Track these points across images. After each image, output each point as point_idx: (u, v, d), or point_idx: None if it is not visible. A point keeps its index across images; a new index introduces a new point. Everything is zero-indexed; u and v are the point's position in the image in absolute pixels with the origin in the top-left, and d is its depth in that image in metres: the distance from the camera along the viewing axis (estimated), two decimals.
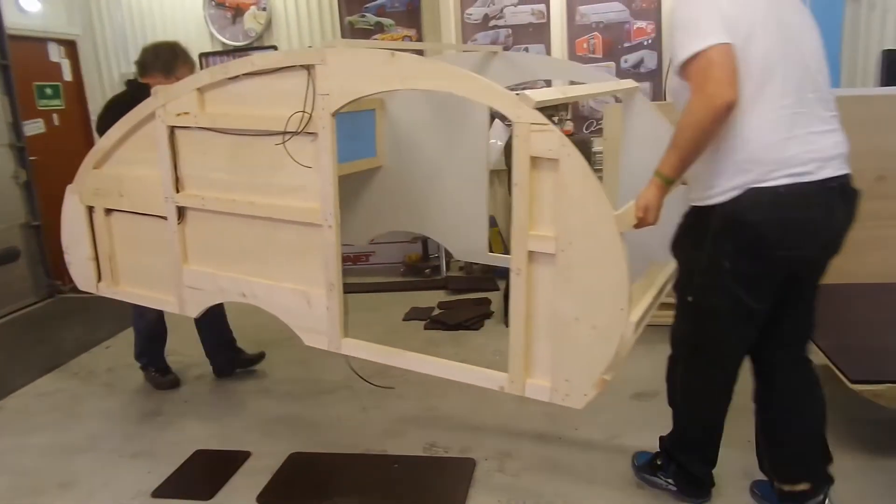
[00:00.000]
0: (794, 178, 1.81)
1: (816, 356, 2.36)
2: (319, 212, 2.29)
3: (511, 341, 2.07)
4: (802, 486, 2.09)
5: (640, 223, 1.92)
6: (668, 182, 1.91)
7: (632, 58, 5.36)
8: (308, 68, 2.19)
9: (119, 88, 6.06)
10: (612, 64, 5.38)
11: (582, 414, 2.48)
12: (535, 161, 1.89)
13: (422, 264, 5.44)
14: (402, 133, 3.38)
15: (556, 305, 1.96)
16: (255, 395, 3.44)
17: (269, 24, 5.94)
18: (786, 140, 1.82)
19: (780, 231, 1.86)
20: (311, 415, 3.19)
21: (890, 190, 3.49)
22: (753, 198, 1.85)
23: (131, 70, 5.97)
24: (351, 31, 5.60)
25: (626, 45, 5.35)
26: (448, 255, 5.16)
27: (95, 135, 3.22)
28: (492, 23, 5.54)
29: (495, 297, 4.70)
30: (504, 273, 5.50)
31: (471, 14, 5.57)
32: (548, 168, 1.88)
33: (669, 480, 2.29)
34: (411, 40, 5.57)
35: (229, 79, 2.38)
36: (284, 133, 2.27)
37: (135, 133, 2.69)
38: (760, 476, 2.28)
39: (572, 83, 3.69)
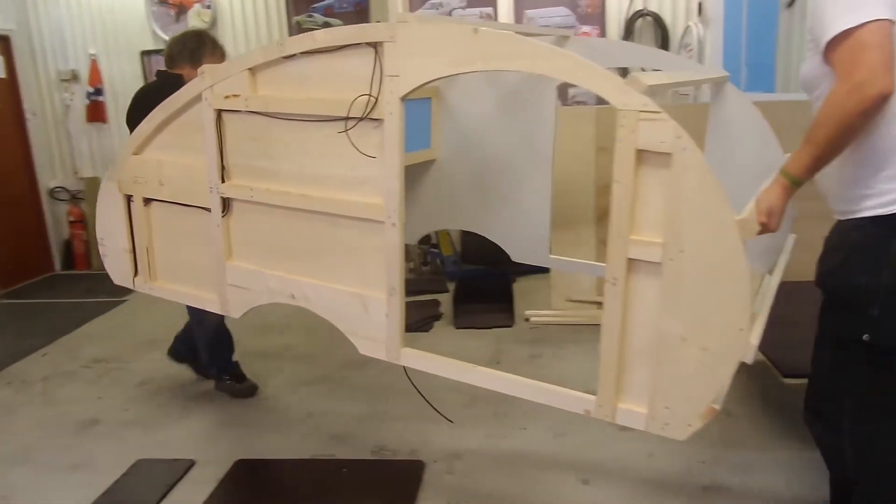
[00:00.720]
0: None
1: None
2: (383, 208, 2.05)
3: (601, 360, 1.82)
4: None
5: (763, 229, 1.66)
6: (795, 183, 1.66)
7: None
8: (375, 46, 1.96)
9: (57, 86, 6.06)
10: None
11: (529, 413, 2.88)
12: (641, 155, 1.63)
13: None
14: (458, 124, 3.14)
15: (660, 322, 1.70)
16: (198, 401, 3.32)
17: (213, 23, 5.80)
18: None
19: None
20: (258, 420, 3.09)
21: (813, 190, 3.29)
22: None
23: (69, 67, 6.02)
24: (298, 32, 5.47)
25: None
26: None
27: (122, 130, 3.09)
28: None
29: (445, 299, 4.70)
30: (454, 275, 5.26)
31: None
32: (658, 163, 1.62)
33: None
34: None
35: (285, 58, 2.15)
36: (347, 119, 2.04)
37: (178, 117, 2.49)
38: None
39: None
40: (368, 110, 2.00)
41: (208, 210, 2.48)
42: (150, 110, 2.69)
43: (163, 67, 3.28)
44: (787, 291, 2.61)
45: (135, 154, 2.64)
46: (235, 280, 2.48)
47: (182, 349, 3.58)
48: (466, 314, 4.38)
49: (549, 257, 3.15)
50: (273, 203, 2.31)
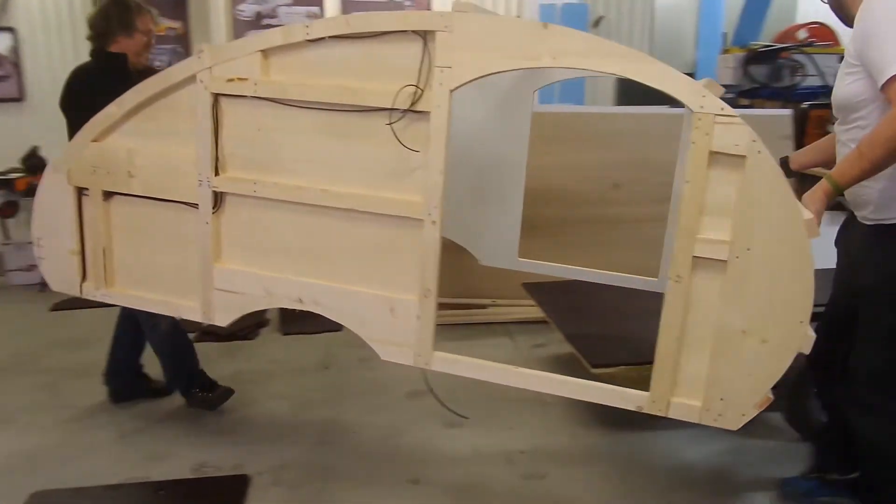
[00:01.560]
0: None
1: (562, 344, 2.95)
2: (422, 205, 1.96)
3: (658, 356, 1.87)
4: None
5: None
6: (839, 191, 1.81)
7: None
8: (424, 35, 1.87)
9: None
10: None
11: (358, 417, 2.90)
12: (714, 157, 1.70)
13: None
14: None
15: (721, 317, 1.78)
16: None
17: (5, 6, 5.26)
18: None
19: None
20: (59, 446, 2.75)
21: (623, 196, 3.97)
22: None
23: None
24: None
25: None
26: None
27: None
28: (265, 21, 5.35)
29: None
30: None
31: (242, 10, 5.35)
32: (730, 165, 1.70)
33: None
34: (176, 33, 5.34)
35: (311, 41, 1.99)
36: (392, 110, 1.93)
37: (159, 100, 2.20)
38: None
39: None
40: (414, 102, 1.90)
41: (193, 206, 2.22)
42: (97, 93, 2.43)
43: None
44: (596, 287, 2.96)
45: (94, 141, 2.30)
46: (225, 284, 2.24)
47: (122, 368, 3.13)
48: (293, 320, 3.93)
49: (518, 260, 3.17)
50: (282, 199, 2.12)
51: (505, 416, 2.92)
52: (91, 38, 2.79)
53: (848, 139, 1.90)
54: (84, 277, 2.45)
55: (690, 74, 4.72)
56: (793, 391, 2.59)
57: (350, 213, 2.06)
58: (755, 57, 4.68)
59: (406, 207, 1.99)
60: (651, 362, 2.12)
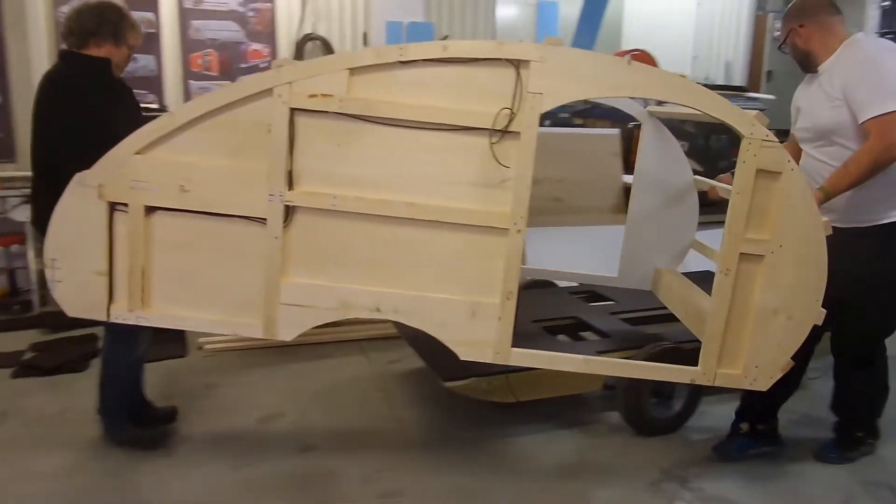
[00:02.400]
0: None
1: (415, 359, 3.12)
2: (508, 215, 2.17)
3: (707, 336, 2.28)
4: None
5: None
6: (829, 198, 2.34)
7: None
8: (516, 64, 2.09)
9: None
10: (229, 83, 5.32)
11: (205, 447, 2.75)
12: (759, 173, 2.14)
13: (9, 300, 4.42)
14: None
15: (758, 300, 2.23)
16: None
17: None
18: None
19: None
20: None
21: (564, 207, 4.52)
22: None
23: None
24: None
25: (242, 65, 5.22)
26: (44, 286, 3.73)
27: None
28: None
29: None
30: None
31: (65, 12, 5.18)
32: (770, 179, 2.15)
33: (871, 441, 2.79)
34: None
35: (402, 63, 2.10)
36: (492, 131, 2.11)
37: (223, 113, 2.13)
38: None
39: None
40: (508, 123, 2.11)
41: (257, 220, 2.19)
42: (84, 101, 2.39)
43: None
44: None
45: (138, 154, 2.16)
46: (292, 298, 2.24)
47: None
48: None
49: None
50: (366, 212, 2.18)
51: (360, 438, 2.89)
52: (69, 35, 2.54)
53: (825, 157, 2.44)
54: (111, 299, 2.26)
55: None
56: (629, 392, 2.84)
57: (434, 224, 2.19)
58: None
59: (494, 218, 2.18)
60: (498, 373, 2.63)
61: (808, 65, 2.54)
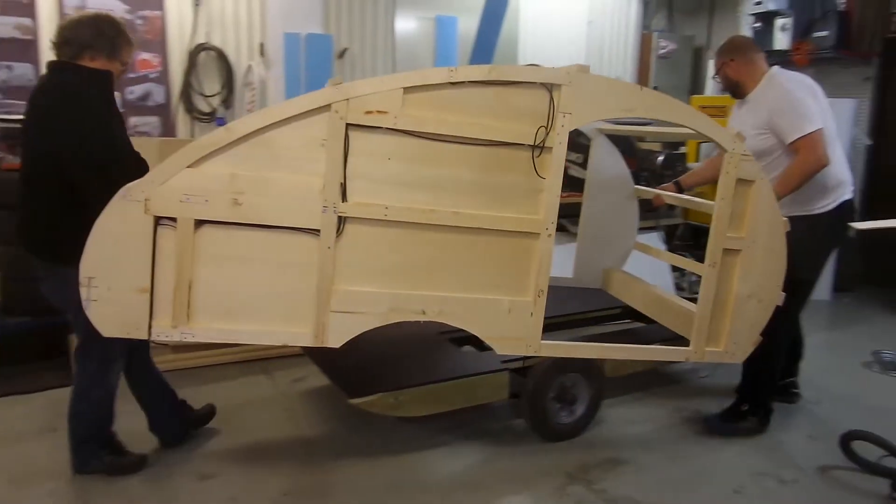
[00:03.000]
0: (851, 194, 3.01)
1: (321, 376, 3.10)
2: (542, 221, 2.42)
3: (697, 318, 2.69)
4: None
5: None
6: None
7: (138, 90, 4.96)
8: (550, 87, 2.35)
9: None
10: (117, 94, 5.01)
11: (95, 482, 2.61)
12: (738, 182, 2.59)
13: None
14: None
15: (736, 287, 2.68)
16: None
17: None
18: (846, 174, 3.00)
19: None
20: None
21: None
22: (848, 206, 2.99)
23: None
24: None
25: (131, 75, 4.91)
26: None
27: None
28: None
29: None
30: None
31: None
32: (746, 187, 2.61)
33: (754, 419, 3.12)
34: None
35: (452, 84, 2.28)
36: (534, 146, 2.35)
37: (279, 128, 2.17)
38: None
39: None
40: (544, 139, 2.36)
41: (309, 232, 2.25)
42: (99, 116, 2.35)
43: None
44: None
45: (190, 167, 2.14)
46: (343, 305, 2.31)
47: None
48: (8, 378, 3.53)
49: None
50: (411, 220, 2.32)
51: (264, 462, 2.80)
52: (64, 45, 2.43)
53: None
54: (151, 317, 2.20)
55: None
56: (534, 399, 2.92)
57: (475, 230, 2.39)
58: None
59: (528, 224, 2.42)
60: (406, 387, 2.70)
61: (737, 93, 3.07)
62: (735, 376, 3.27)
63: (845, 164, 3.06)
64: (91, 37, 2.42)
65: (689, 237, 5.50)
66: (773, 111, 2.86)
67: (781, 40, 5.76)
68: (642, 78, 7.01)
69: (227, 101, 5.20)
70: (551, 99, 2.35)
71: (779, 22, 5.77)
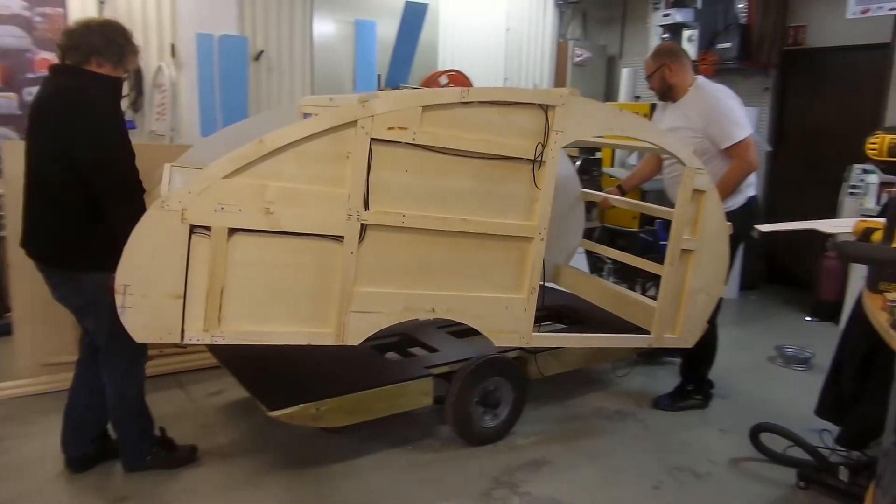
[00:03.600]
0: (755, 190, 3.50)
1: (239, 388, 2.98)
2: (536, 227, 2.71)
3: (659, 309, 3.10)
4: None
5: None
6: None
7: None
8: (545, 108, 2.63)
9: None
10: (14, 95, 4.72)
11: None
12: (694, 192, 3.00)
13: None
14: None
15: (689, 283, 3.11)
16: None
17: None
18: (754, 177, 3.47)
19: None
20: None
21: None
22: (754, 200, 3.47)
23: None
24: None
25: (29, 75, 4.77)
26: None
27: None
28: None
29: None
30: None
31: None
32: (699, 196, 3.04)
33: (699, 397, 3.58)
34: None
35: (463, 103, 2.49)
36: (534, 160, 2.63)
37: (309, 142, 2.29)
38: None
39: None
40: (540, 154, 2.64)
41: (337, 238, 2.40)
42: (115, 122, 2.40)
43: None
44: None
45: (226, 178, 2.23)
46: (362, 306, 2.49)
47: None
48: None
49: None
50: (425, 227, 2.52)
51: (180, 481, 2.75)
52: (70, 50, 2.44)
53: None
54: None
55: None
56: (458, 404, 2.99)
57: (481, 235, 2.63)
58: None
59: (524, 229, 2.70)
60: (328, 397, 2.70)
61: (669, 96, 3.45)
62: (647, 376, 3.72)
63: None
64: (101, 43, 2.46)
65: (605, 239, 5.80)
66: (708, 119, 3.28)
67: (688, 51, 5.84)
68: (559, 84, 7.27)
69: (136, 104, 5.09)
70: (547, 118, 2.63)
71: (686, 33, 6.11)
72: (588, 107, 2.72)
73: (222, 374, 3.23)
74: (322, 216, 2.36)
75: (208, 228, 2.24)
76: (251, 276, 2.34)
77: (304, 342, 2.48)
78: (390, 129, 2.38)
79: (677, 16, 6.06)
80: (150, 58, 5.06)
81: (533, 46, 7.29)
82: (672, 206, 3.20)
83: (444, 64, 6.65)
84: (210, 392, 3.55)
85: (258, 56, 5.57)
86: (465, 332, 3.51)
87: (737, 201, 3.38)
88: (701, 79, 3.44)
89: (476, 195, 2.61)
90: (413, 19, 5.72)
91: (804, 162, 6.18)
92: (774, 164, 6.34)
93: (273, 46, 5.70)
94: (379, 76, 6.16)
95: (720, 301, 3.30)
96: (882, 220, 1.90)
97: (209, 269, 2.26)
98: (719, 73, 6.02)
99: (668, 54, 3.42)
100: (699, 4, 6.04)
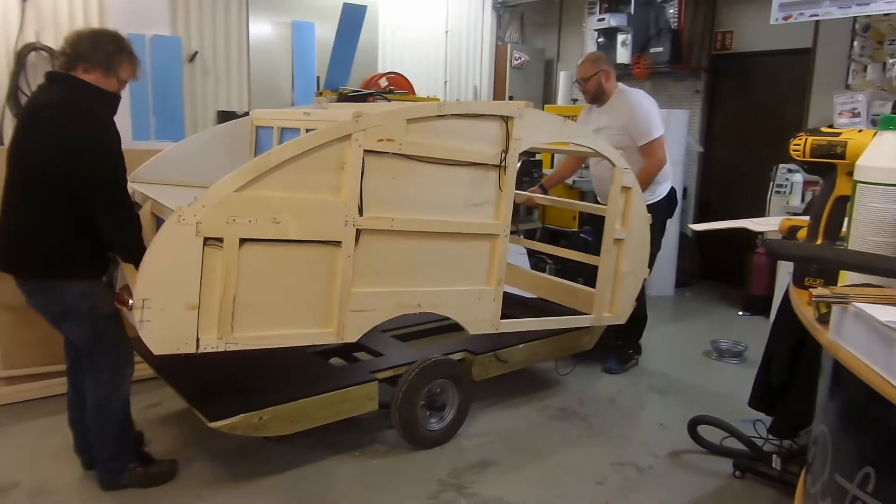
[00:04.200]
0: (672, 183, 4.05)
1: (176, 400, 3.07)
2: (501, 225, 3.06)
3: (598, 293, 3.53)
4: None
5: None
6: None
7: None
8: (506, 119, 2.96)
9: None
10: None
11: None
12: (622, 189, 3.45)
13: None
14: None
15: (620, 266, 3.56)
16: None
17: None
18: (669, 169, 3.98)
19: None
20: None
21: None
22: (672, 192, 4.04)
23: None
24: None
25: None
26: None
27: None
28: None
29: None
30: None
31: None
32: (626, 192, 3.49)
33: (637, 356, 4.17)
34: None
35: (439, 116, 2.78)
36: (500, 165, 2.98)
37: (310, 154, 2.49)
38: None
39: None
40: (502, 160, 2.98)
41: (335, 243, 2.62)
42: (110, 136, 2.45)
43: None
44: None
45: (237, 191, 2.40)
46: (359, 305, 2.72)
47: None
48: None
49: None
50: (412, 229, 2.80)
51: (116, 498, 2.70)
52: (60, 55, 2.53)
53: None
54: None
55: None
56: (403, 408, 3.02)
57: (456, 235, 2.94)
58: (347, 99, 5.00)
59: (491, 227, 3.04)
60: (270, 405, 2.71)
61: (600, 99, 3.95)
62: (589, 374, 4.01)
63: (669, 164, 4.00)
64: (89, 50, 2.49)
65: (546, 239, 6.05)
66: (630, 119, 3.80)
67: (623, 54, 6.34)
68: (499, 87, 7.42)
69: None
70: (507, 128, 2.97)
71: (620, 37, 6.35)
72: (540, 117, 3.12)
73: (160, 385, 3.20)
74: (323, 223, 2.56)
75: (220, 240, 2.38)
76: (260, 283, 2.50)
77: (309, 343, 2.68)
78: (380, 140, 2.63)
79: (612, 20, 6.29)
80: None
81: (472, 49, 7.39)
82: (596, 201, 3.70)
83: (384, 66, 6.68)
84: (148, 404, 3.46)
85: (192, 57, 5.50)
86: (409, 336, 3.69)
87: (658, 193, 3.92)
88: (621, 85, 3.95)
89: (452, 198, 2.91)
90: (351, 21, 5.68)
91: (734, 161, 6.46)
92: (706, 163, 6.64)
93: (208, 47, 5.61)
94: (318, 78, 6.14)
95: (644, 281, 3.80)
96: (806, 218, 1.95)
97: (222, 278, 2.41)
98: (653, 76, 6.31)
99: (605, 62, 3.91)
100: (632, 10, 6.26)
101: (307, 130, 2.99)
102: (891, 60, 4.60)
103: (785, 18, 4.75)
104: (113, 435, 2.67)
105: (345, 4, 5.70)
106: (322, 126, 2.65)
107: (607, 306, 3.58)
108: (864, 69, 4.84)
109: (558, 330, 3.62)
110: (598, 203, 4.11)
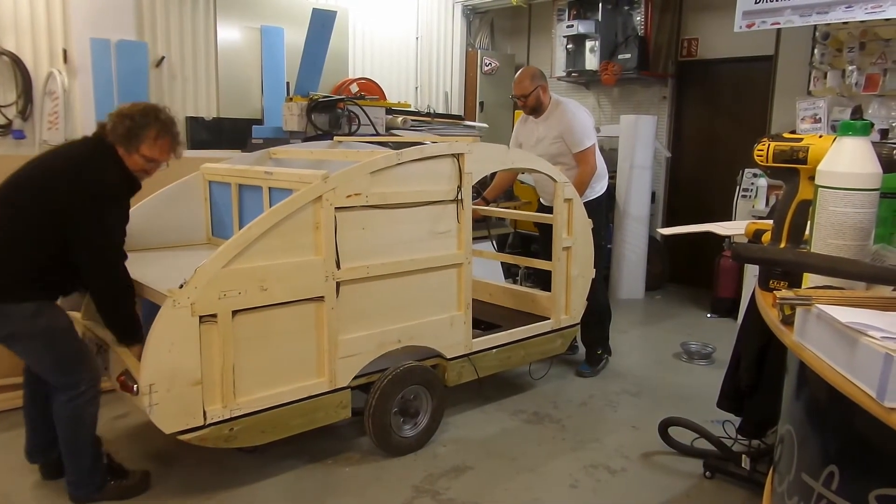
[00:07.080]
0: (608, 181, 4.36)
1: (142, 412, 2.57)
2: (463, 254, 3.34)
3: (554, 297, 3.85)
4: None
5: None
6: None
7: None
8: (457, 156, 3.24)
9: None
10: None
11: None
12: (566, 201, 3.78)
13: None
14: None
15: (570, 271, 3.89)
16: None
17: None
18: (604, 170, 4.29)
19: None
20: None
21: None
22: (608, 192, 4.35)
23: None
24: None
25: None
26: None
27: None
28: None
29: None
30: None
31: None
32: (569, 204, 3.82)
33: (607, 356, 4.39)
34: None
35: (399, 164, 3.03)
36: (456, 200, 3.25)
37: (287, 221, 2.67)
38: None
39: None
40: (457, 194, 3.25)
41: (318, 299, 2.78)
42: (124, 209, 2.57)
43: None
44: None
45: (224, 267, 2.53)
46: (346, 351, 2.90)
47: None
48: None
49: None
50: (385, 273, 3.03)
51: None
52: (107, 125, 2.58)
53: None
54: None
55: (258, 121, 5.90)
56: (376, 415, 3.03)
57: (426, 270, 3.19)
58: (316, 106, 4.96)
59: (453, 257, 3.31)
60: (241, 416, 2.67)
61: (538, 111, 4.18)
62: (562, 378, 4.12)
63: (603, 163, 4.31)
64: (114, 123, 2.54)
65: (518, 244, 6.21)
66: (566, 128, 4.10)
67: (591, 61, 6.44)
68: (470, 92, 7.49)
69: (25, 112, 4.89)
70: (459, 164, 3.25)
71: (588, 44, 6.45)
72: (487, 150, 3.40)
73: (125, 396, 2.89)
74: (305, 282, 2.73)
75: (214, 315, 2.49)
76: (255, 348, 2.65)
77: (303, 395, 2.79)
78: (348, 196, 2.86)
79: (580, 27, 6.41)
80: (41, 64, 4.92)
81: (443, 55, 7.44)
82: (544, 209, 4.23)
83: (354, 71, 6.67)
84: (115, 416, 3.42)
85: (159, 62, 5.43)
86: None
87: (597, 191, 4.23)
88: (556, 97, 4.23)
89: (418, 236, 3.16)
90: (321, 26, 5.59)
91: (701, 166, 6.56)
92: (674, 168, 6.75)
93: (175, 52, 5.52)
94: (288, 83, 6.04)
95: (593, 281, 4.10)
96: (770, 221, 1.95)
97: (219, 350, 2.54)
98: (621, 82, 6.43)
99: (542, 77, 4.20)
100: (600, 17, 6.38)
101: (269, 189, 3.22)
102: (850, 68, 4.76)
103: (748, 26, 4.85)
104: (86, 457, 2.64)
105: (314, 9, 5.53)
106: (285, 184, 2.84)
107: (563, 309, 3.93)
108: (825, 76, 4.98)
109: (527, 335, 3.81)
110: (542, 204, 4.51)
